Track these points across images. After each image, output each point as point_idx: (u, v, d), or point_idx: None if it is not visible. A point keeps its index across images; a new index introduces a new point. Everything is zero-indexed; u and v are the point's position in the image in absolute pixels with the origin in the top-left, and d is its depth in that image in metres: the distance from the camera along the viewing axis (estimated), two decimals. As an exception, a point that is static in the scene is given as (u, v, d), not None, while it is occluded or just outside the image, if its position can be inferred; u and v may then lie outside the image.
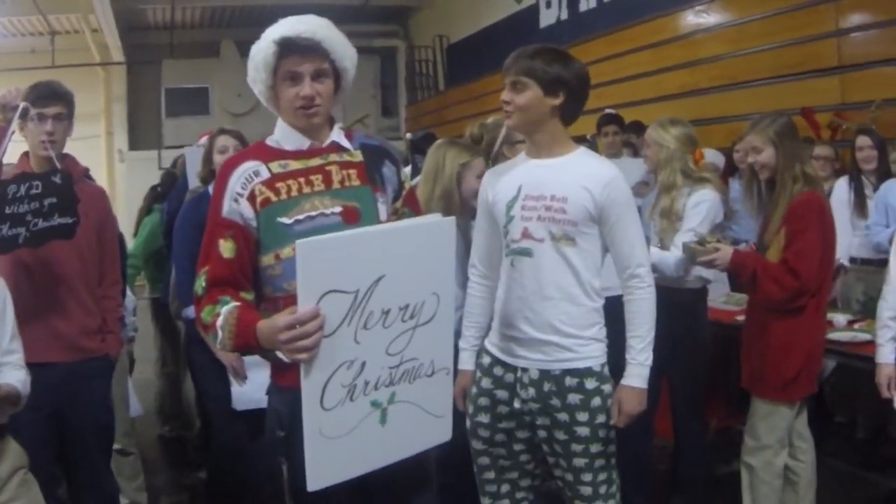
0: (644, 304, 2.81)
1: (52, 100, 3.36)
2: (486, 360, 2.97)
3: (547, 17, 11.00)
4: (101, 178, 15.18)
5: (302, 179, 2.37)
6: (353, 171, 2.44)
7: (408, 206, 2.58)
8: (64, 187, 3.18)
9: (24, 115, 3.26)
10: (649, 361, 2.80)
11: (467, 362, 3.03)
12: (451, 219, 2.31)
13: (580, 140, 6.55)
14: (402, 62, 16.65)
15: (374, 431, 2.17)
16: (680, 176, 3.94)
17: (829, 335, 4.01)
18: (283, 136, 2.46)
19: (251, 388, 3.68)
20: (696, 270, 3.87)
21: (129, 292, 4.77)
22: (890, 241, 5.02)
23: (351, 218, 2.39)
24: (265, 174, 2.36)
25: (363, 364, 2.11)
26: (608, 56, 8.96)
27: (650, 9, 8.57)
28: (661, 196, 4.00)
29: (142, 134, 15.93)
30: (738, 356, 3.71)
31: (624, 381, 2.79)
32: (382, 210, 2.46)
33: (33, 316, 3.27)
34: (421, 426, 2.29)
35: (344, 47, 2.42)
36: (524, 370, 2.86)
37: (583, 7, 10.18)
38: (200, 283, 2.35)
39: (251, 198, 2.34)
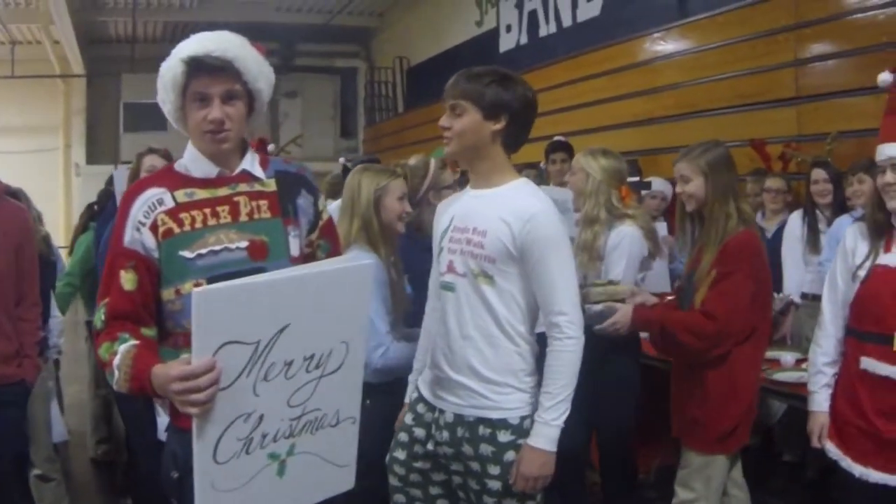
0: (559, 358, 2.55)
1: None
2: (415, 395, 2.82)
3: (507, 42, 10.89)
4: (57, 191, 15.13)
5: (207, 210, 2.23)
6: (263, 203, 2.30)
7: (324, 237, 2.46)
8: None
9: None
10: (559, 422, 2.53)
11: (409, 395, 2.88)
12: (370, 263, 2.17)
13: (532, 168, 6.48)
14: (362, 83, 16.49)
15: (271, 483, 2.05)
16: (604, 210, 3.78)
17: (776, 375, 3.89)
18: (192, 161, 2.31)
19: None
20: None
21: (56, 312, 4.58)
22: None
23: (258, 253, 2.24)
24: (169, 203, 2.22)
25: (261, 417, 1.97)
26: (566, 82, 8.82)
27: (608, 35, 8.44)
28: (583, 229, 3.82)
29: (99, 148, 15.75)
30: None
31: (527, 440, 2.55)
32: (294, 244, 2.33)
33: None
34: (322, 476, 2.15)
35: (258, 67, 2.29)
36: (441, 412, 2.69)
37: (542, 32, 10.08)
38: (99, 317, 2.20)
39: (153, 227, 2.20)
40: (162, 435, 3.59)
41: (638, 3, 8.33)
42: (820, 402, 3.02)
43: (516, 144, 2.67)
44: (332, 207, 3.36)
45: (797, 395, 3.66)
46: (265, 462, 2.01)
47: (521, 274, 2.58)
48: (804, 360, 4.08)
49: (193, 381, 1.87)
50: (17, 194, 4.16)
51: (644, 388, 4.04)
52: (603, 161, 3.85)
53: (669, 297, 3.59)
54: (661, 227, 6.14)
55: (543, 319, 2.60)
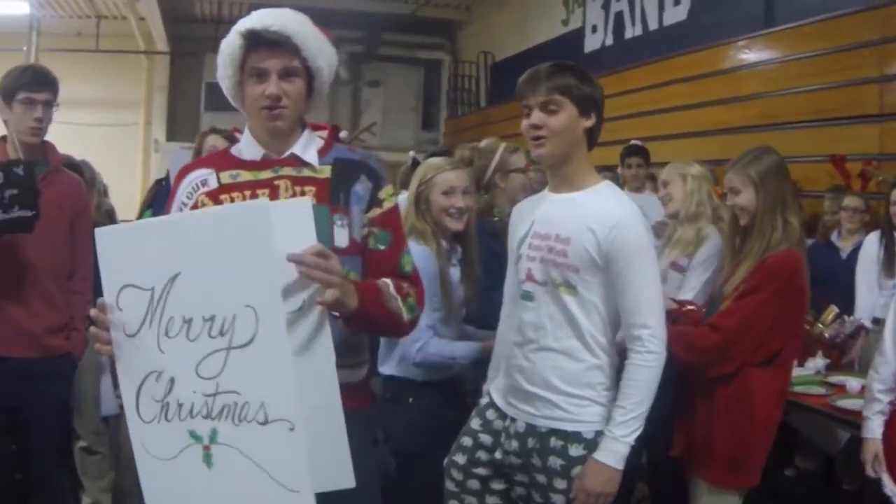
0: (638, 373, 2.46)
1: (43, 86, 3.26)
2: (485, 399, 2.77)
3: (592, 42, 10.79)
4: (135, 167, 15.38)
5: (248, 192, 2.19)
6: (310, 188, 2.21)
7: (382, 226, 2.29)
8: (26, 179, 3.06)
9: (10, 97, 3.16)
10: (629, 439, 2.44)
11: (481, 401, 2.85)
12: (265, 202, 1.94)
13: (610, 171, 6.42)
14: (445, 76, 16.48)
15: (200, 472, 1.87)
16: (708, 206, 3.75)
17: (840, 402, 3.70)
18: (244, 142, 2.30)
19: None
20: None
21: None
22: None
23: None
24: (213, 184, 2.22)
25: (172, 380, 1.85)
26: (649, 86, 8.74)
27: (694, 41, 8.31)
28: (685, 227, 3.78)
29: (179, 126, 15.83)
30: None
31: (594, 454, 2.47)
32: (340, 234, 2.20)
33: (-6, 306, 3.15)
34: (264, 494, 1.84)
35: (319, 44, 2.22)
36: (512, 420, 2.63)
37: (628, 34, 9.97)
38: None
39: (195, 209, 2.20)
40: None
41: (725, 10, 8.18)
42: (873, 429, 2.98)
43: (595, 143, 2.61)
44: (402, 199, 3.31)
45: (858, 425, 3.46)
46: (188, 441, 1.86)
47: (604, 283, 2.49)
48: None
49: (101, 322, 1.90)
50: (78, 167, 4.17)
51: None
52: (696, 166, 3.82)
53: (690, 307, 3.43)
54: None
55: (624, 331, 2.52)
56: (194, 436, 1.87)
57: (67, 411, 3.54)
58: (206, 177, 2.23)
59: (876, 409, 2.97)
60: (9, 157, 3.19)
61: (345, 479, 1.95)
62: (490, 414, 2.72)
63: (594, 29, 10.78)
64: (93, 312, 1.92)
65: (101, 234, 1.87)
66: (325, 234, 2.11)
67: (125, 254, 1.85)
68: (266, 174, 2.22)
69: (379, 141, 14.81)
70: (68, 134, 13.76)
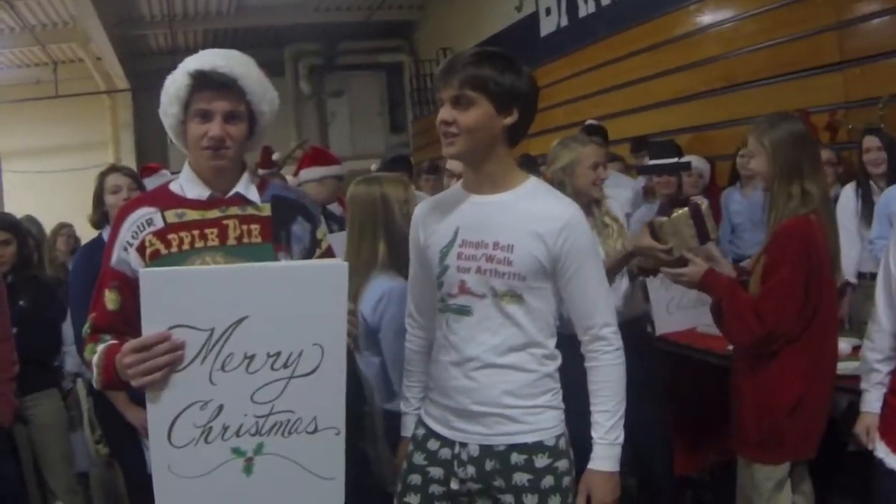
0: (612, 372, 2.36)
1: None
2: (420, 431, 2.51)
3: (547, 25, 10.59)
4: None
5: (196, 232, 2.21)
6: (255, 227, 2.26)
7: None
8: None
9: None
10: (621, 440, 2.35)
11: (409, 428, 2.58)
12: (344, 264, 2.04)
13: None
14: (407, 77, 16.28)
15: (237, 480, 2.02)
16: None
17: None
18: (186, 181, 2.29)
19: None
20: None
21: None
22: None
23: None
24: (159, 223, 2.22)
25: (220, 407, 1.97)
26: (606, 62, 8.58)
27: (646, 11, 8.11)
28: None
29: (150, 160, 15.55)
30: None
31: (592, 465, 2.34)
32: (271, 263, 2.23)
33: None
34: (300, 486, 2.07)
35: (263, 89, 2.27)
36: (462, 445, 2.39)
37: (582, 12, 9.78)
38: (86, 328, 2.24)
39: (141, 248, 2.20)
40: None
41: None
42: (871, 401, 2.78)
43: (519, 140, 2.38)
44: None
45: (857, 390, 3.17)
46: (228, 456, 2.00)
47: (552, 289, 2.36)
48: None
49: (149, 352, 1.90)
50: (17, 226, 4.17)
51: (687, 379, 3.83)
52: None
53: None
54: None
55: (581, 332, 2.40)
56: (238, 451, 2.01)
57: (10, 482, 3.35)
58: (151, 216, 2.22)
59: (874, 380, 2.79)
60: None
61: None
62: (432, 444, 2.46)
63: (548, 12, 10.59)
64: (132, 343, 1.94)
65: (148, 276, 1.90)
66: None
67: (176, 296, 1.92)
68: (213, 213, 2.24)
69: (350, 150, 14.68)
70: (39, 183, 13.77)
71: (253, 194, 2.29)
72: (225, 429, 1.98)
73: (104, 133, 15.70)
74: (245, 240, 2.23)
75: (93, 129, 15.48)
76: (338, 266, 2.03)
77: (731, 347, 3.38)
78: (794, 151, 3.00)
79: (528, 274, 2.29)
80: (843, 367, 3.43)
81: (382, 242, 3.07)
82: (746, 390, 3.05)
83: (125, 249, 2.20)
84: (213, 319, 1.93)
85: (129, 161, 15.70)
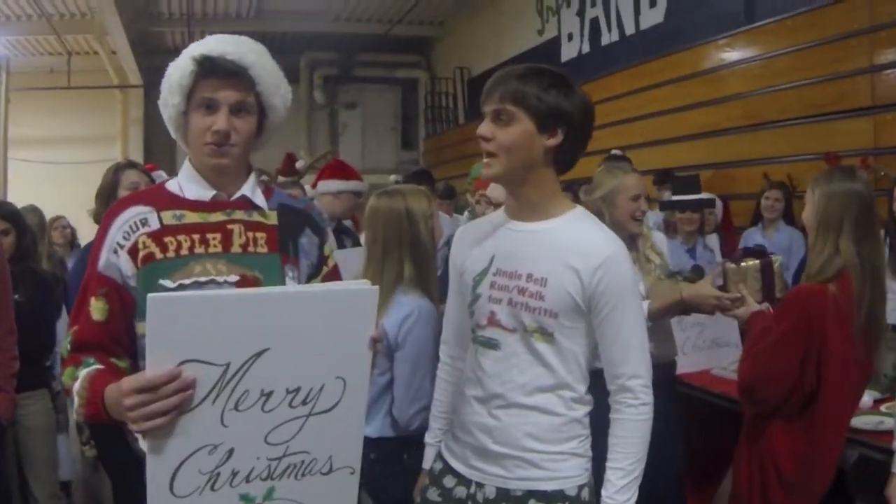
0: (634, 429, 2.16)
1: None
2: (438, 465, 2.36)
3: (569, 51, 10.53)
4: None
5: (196, 236, 1.97)
6: (261, 235, 2.03)
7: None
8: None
9: None
10: (632, 502, 2.14)
11: (428, 460, 2.42)
12: (374, 288, 1.83)
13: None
14: (422, 94, 16.21)
15: None
16: None
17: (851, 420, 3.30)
18: (186, 179, 2.04)
19: None
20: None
21: None
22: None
23: None
24: (154, 224, 1.97)
25: (230, 451, 1.73)
26: (628, 91, 8.45)
27: (672, 43, 8.04)
28: None
29: (157, 158, 15.57)
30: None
31: None
32: (291, 286, 2.02)
33: None
34: None
35: (276, 80, 2.03)
36: (479, 486, 2.23)
37: (605, 40, 9.70)
38: (66, 346, 1.96)
39: (133, 251, 1.95)
40: None
41: (702, 9, 7.92)
42: None
43: (569, 165, 2.20)
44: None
45: (876, 446, 3.13)
46: (236, 502, 1.78)
47: (586, 329, 2.17)
48: (884, 400, 3.63)
49: (153, 393, 1.63)
50: (16, 215, 4.03)
51: (701, 421, 3.68)
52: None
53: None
54: (714, 244, 5.85)
55: (609, 380, 2.20)
56: (246, 498, 1.79)
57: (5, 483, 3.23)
58: (146, 215, 1.98)
59: None
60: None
61: None
62: (448, 481, 2.30)
63: (570, 37, 10.53)
64: (132, 382, 1.67)
65: (158, 302, 1.63)
66: (277, 285, 1.98)
67: (189, 326, 1.65)
68: (217, 216, 2.01)
69: (360, 164, 14.54)
70: (46, 173, 13.66)
71: (260, 199, 2.06)
72: (234, 474, 1.75)
73: (114, 128, 15.57)
74: (251, 248, 2.00)
75: (102, 124, 15.35)
76: (368, 291, 1.82)
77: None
78: (838, 208, 2.83)
79: (560, 311, 2.13)
80: (863, 422, 3.29)
81: (408, 260, 2.92)
82: (744, 458, 2.92)
83: (115, 252, 1.96)
84: (230, 353, 1.69)
85: (136, 158, 15.61)
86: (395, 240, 2.94)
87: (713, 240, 5.83)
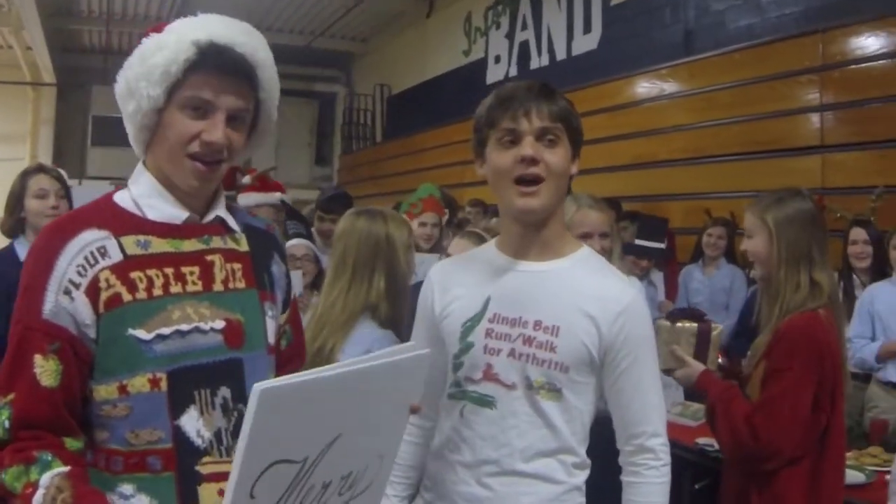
0: (658, 493, 1.90)
1: None
2: None
3: (495, 73, 10.35)
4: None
5: (170, 270, 1.54)
6: (238, 266, 1.63)
7: (290, 323, 1.81)
8: None
9: None
10: None
11: None
12: (426, 352, 1.55)
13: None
14: (340, 109, 15.93)
15: None
16: None
17: None
18: (147, 194, 1.59)
19: None
20: None
21: None
22: (877, 359, 4.27)
23: (234, 339, 1.57)
24: (115, 255, 1.52)
25: None
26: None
27: (605, 71, 7.88)
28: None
29: (66, 161, 14.89)
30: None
31: None
32: (271, 328, 1.66)
33: None
34: None
35: (277, 84, 1.66)
36: None
37: (534, 64, 9.53)
38: (2, 422, 1.46)
39: (91, 291, 1.49)
40: None
41: (639, 39, 7.79)
42: None
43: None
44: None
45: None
46: None
47: (595, 385, 1.92)
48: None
49: None
50: None
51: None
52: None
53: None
54: (658, 280, 5.67)
55: (625, 441, 1.94)
56: None
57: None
58: (103, 243, 1.52)
59: None
60: None
61: None
62: None
63: (497, 59, 10.37)
64: None
65: (269, 396, 1.23)
66: (258, 329, 1.63)
67: (287, 419, 1.28)
68: (191, 244, 1.59)
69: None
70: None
71: (232, 220, 1.67)
72: None
73: (22, 127, 14.82)
74: (231, 284, 1.61)
75: (10, 121, 14.61)
76: (425, 357, 1.55)
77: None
78: (802, 234, 2.56)
79: (572, 364, 1.85)
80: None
81: (381, 286, 2.60)
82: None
83: (67, 293, 1.49)
84: (309, 445, 1.35)
85: (45, 160, 14.95)
86: (369, 264, 2.62)
87: (658, 276, 5.63)
